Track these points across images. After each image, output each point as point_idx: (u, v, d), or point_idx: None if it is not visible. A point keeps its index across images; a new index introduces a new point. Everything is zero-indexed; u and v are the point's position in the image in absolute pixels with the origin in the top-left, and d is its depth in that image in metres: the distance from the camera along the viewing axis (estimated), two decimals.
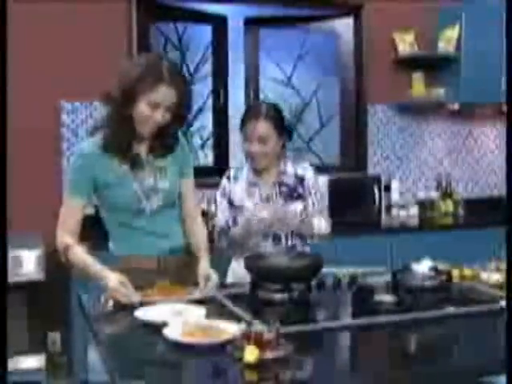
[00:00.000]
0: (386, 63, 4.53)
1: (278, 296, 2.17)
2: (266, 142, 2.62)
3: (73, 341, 3.45)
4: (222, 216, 2.70)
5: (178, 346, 1.71)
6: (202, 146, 4.55)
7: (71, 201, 2.27)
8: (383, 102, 4.57)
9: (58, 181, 3.67)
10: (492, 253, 2.54)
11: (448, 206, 4.56)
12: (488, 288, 2.31)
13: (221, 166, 4.30)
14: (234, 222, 2.65)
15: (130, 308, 2.03)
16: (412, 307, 2.09)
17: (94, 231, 2.61)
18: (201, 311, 1.98)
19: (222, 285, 2.39)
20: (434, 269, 2.26)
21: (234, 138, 4.09)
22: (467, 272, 2.45)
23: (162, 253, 2.35)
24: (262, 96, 4.61)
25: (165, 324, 1.83)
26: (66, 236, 2.25)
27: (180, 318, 1.87)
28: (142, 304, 2.07)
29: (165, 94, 2.17)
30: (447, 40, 4.41)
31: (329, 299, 2.30)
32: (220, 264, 2.59)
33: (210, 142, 4.53)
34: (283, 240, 2.67)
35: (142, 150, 2.31)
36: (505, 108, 4.52)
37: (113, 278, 2.12)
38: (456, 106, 4.49)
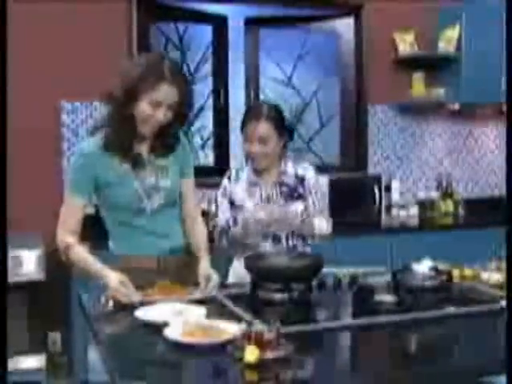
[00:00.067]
0: (387, 63, 4.53)
1: (278, 296, 2.17)
2: (266, 143, 2.62)
3: (73, 341, 3.45)
4: (223, 216, 2.70)
5: (178, 346, 1.71)
6: (203, 146, 4.55)
7: (72, 200, 2.27)
8: (383, 101, 4.57)
9: (59, 181, 3.66)
10: (492, 253, 2.54)
11: (448, 205, 4.56)
12: (488, 288, 2.31)
13: (221, 166, 4.31)
14: (235, 222, 2.65)
15: (131, 308, 2.03)
16: (412, 307, 2.09)
17: (94, 230, 2.61)
18: (201, 311, 1.99)
19: (223, 285, 2.39)
20: (435, 269, 2.25)
21: (235, 138, 4.10)
22: (467, 272, 2.45)
23: (162, 252, 2.35)
24: (262, 96, 4.61)
25: (165, 324, 1.83)
26: (67, 235, 2.25)
27: (180, 318, 1.87)
28: (142, 303, 2.07)
29: (166, 92, 2.17)
30: (447, 40, 4.41)
31: (329, 299, 2.30)
32: (220, 264, 2.59)
33: (211, 142, 4.53)
34: (283, 240, 2.67)
35: (143, 149, 2.31)
36: (505, 108, 4.52)
37: (113, 278, 2.12)
38: (456, 106, 4.48)
